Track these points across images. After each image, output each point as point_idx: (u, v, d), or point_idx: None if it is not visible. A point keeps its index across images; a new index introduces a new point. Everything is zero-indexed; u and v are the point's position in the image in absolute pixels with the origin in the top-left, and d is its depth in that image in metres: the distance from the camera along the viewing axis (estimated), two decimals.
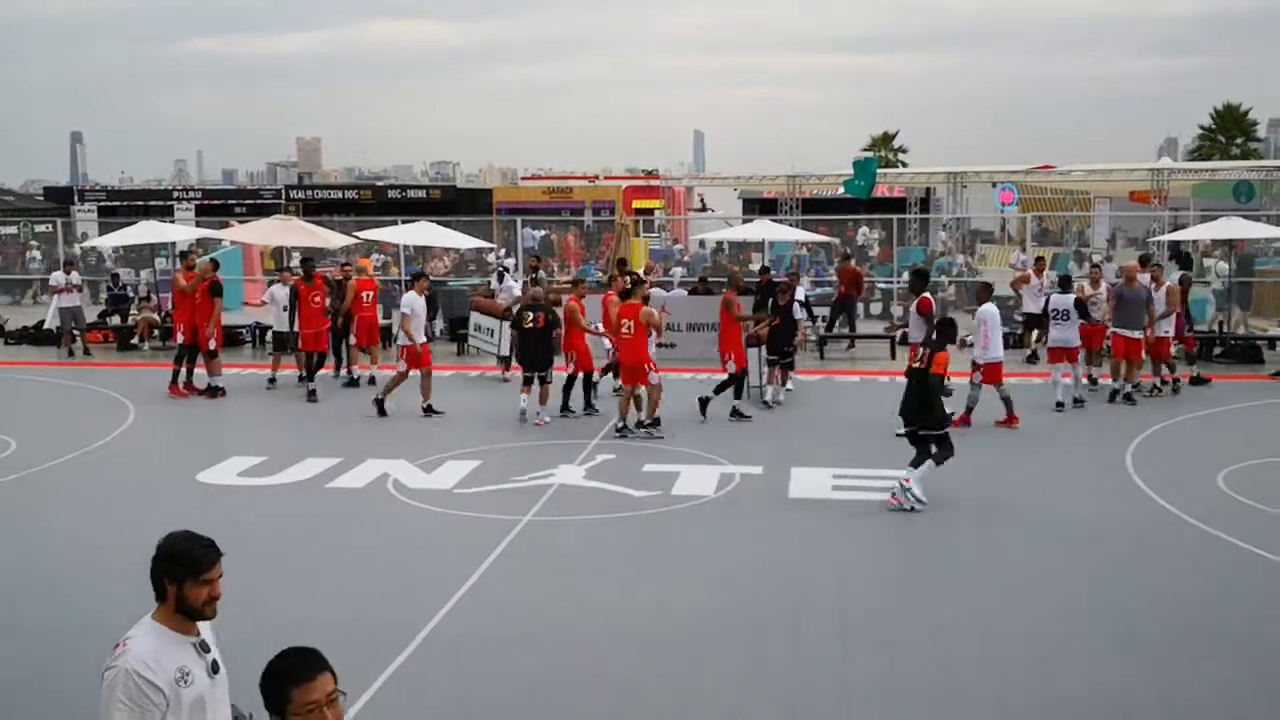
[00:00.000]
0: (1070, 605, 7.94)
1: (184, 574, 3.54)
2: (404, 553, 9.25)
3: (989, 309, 14.00)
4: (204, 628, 3.70)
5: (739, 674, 6.82)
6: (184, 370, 16.30)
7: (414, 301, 14.66)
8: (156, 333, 21.49)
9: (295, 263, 19.35)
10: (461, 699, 6.52)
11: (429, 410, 14.41)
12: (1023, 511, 10.33)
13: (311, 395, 15.72)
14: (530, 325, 14.28)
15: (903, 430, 10.67)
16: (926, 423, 10.33)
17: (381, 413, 14.37)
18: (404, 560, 9.06)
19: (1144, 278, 16.10)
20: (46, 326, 22.54)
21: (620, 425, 13.44)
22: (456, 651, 7.14)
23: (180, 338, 16.41)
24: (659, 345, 18.98)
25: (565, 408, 14.42)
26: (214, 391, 16.13)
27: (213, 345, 16.28)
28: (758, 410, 14.66)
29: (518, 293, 18.13)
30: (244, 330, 21.49)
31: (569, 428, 13.92)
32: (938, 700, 6.47)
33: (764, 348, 15.17)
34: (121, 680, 3.43)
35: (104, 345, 21.71)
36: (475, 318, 18.67)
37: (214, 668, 3.68)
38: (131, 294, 24.18)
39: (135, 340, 21.65)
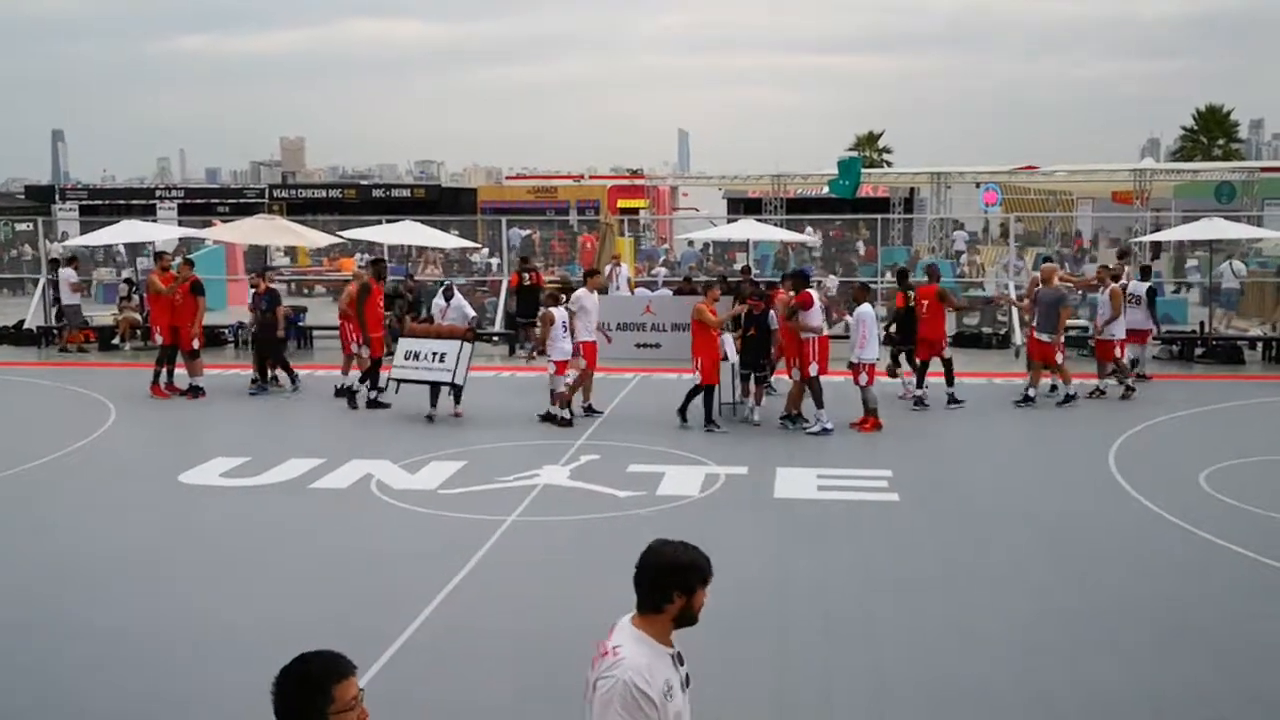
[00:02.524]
0: (1052, 604, 7.96)
1: (696, 582, 3.52)
2: (387, 554, 9.21)
3: (866, 310, 13.92)
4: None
5: (722, 672, 6.80)
6: (165, 371, 16.21)
7: (585, 298, 14.44)
8: (138, 333, 21.36)
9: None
10: (445, 700, 6.49)
11: (589, 409, 14.44)
12: (1006, 510, 10.36)
13: (352, 399, 15.17)
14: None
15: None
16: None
17: (577, 415, 14.22)
18: (387, 561, 9.02)
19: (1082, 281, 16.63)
20: (27, 326, 22.40)
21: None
22: (440, 652, 7.11)
23: (159, 339, 16.31)
24: (639, 346, 19.04)
25: (708, 420, 13.66)
26: (195, 391, 16.05)
27: (196, 345, 16.22)
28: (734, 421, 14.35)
29: (470, 311, 15.92)
30: (226, 330, 21.39)
31: (568, 432, 13.89)
32: (920, 697, 6.47)
33: (737, 361, 14.37)
34: (620, 691, 3.36)
35: (85, 345, 21.56)
36: (412, 344, 14.72)
37: (686, 681, 3.60)
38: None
39: (116, 340, 21.52)
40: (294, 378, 16.56)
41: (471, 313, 15.61)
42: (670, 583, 3.51)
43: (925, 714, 6.33)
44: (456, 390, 14.17)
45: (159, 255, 18.13)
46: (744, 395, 14.43)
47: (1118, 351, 15.74)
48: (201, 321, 16.54)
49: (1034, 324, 15.35)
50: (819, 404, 13.48)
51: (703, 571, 3.56)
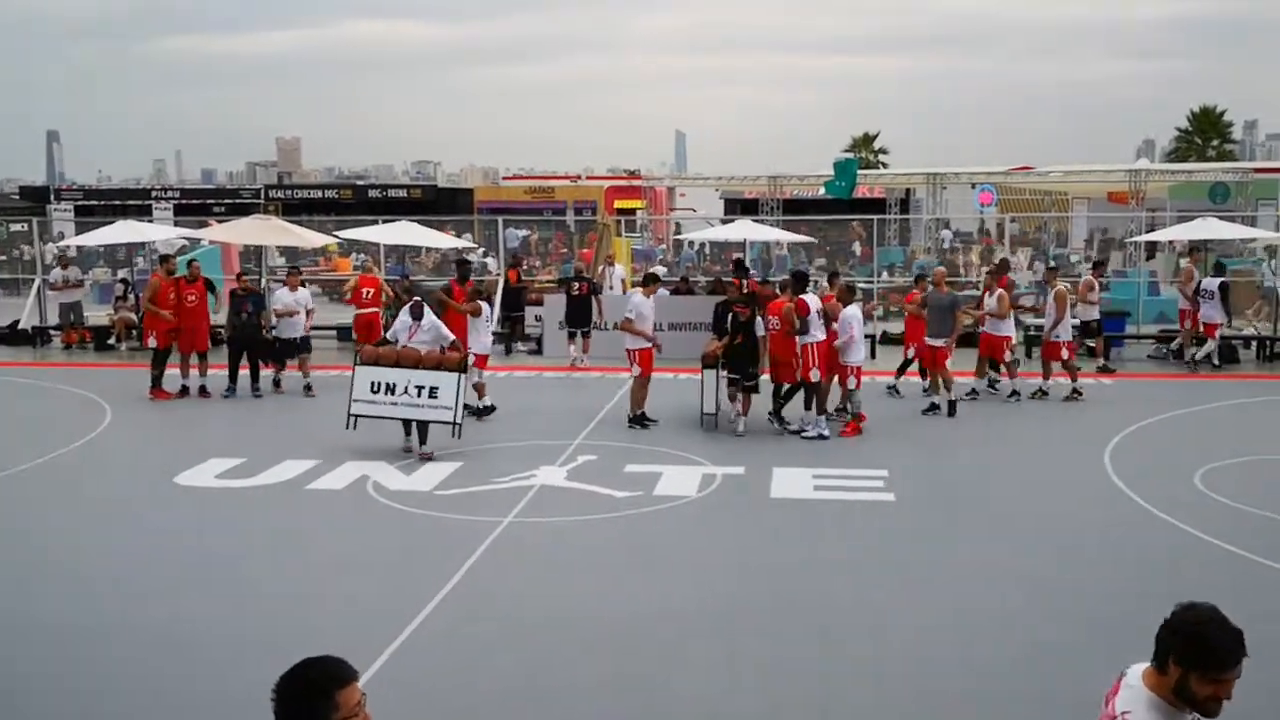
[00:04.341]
0: (1048, 603, 7.97)
1: (1199, 662, 3.16)
2: (384, 555, 9.21)
3: (851, 311, 13.65)
4: None
5: (719, 672, 6.82)
6: (161, 374, 16.01)
7: (641, 304, 14.31)
8: (134, 333, 21.33)
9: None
10: (441, 701, 6.48)
11: (642, 419, 13.96)
12: (1002, 509, 10.37)
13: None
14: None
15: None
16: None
17: (643, 426, 13.82)
18: (384, 562, 9.02)
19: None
20: (22, 326, 22.35)
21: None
22: (436, 654, 7.11)
23: (153, 342, 16.16)
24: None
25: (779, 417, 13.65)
26: (203, 391, 16.10)
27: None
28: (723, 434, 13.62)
29: (447, 333, 12.91)
30: (223, 330, 21.31)
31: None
32: (916, 697, 6.48)
33: (723, 367, 13.69)
34: None
35: (82, 344, 21.54)
36: (380, 374, 12.23)
37: None
38: None
39: (112, 340, 21.48)
40: (257, 380, 16.29)
41: (449, 334, 12.97)
42: (1168, 646, 3.17)
43: (923, 713, 6.34)
44: (453, 428, 12.32)
45: (164, 258, 17.79)
46: (733, 403, 13.64)
47: (1064, 353, 15.67)
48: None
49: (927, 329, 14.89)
50: (821, 409, 13.46)
51: (1213, 654, 3.13)
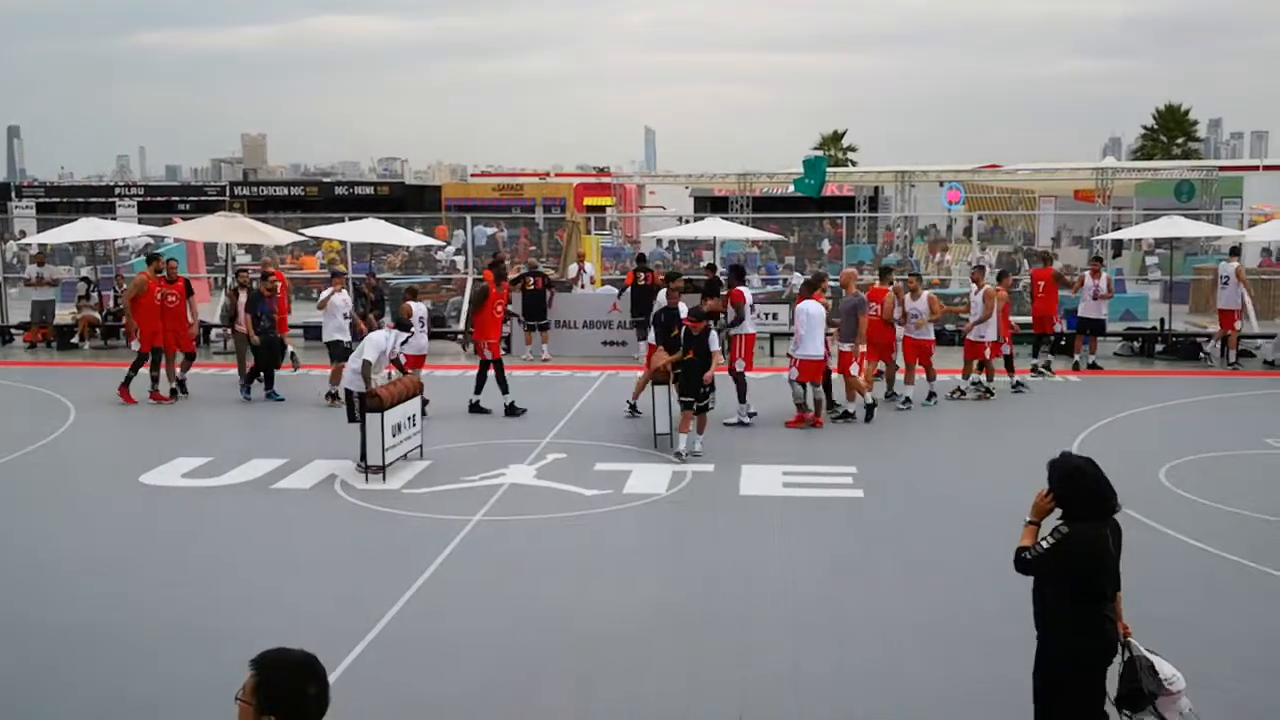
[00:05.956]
0: (1016, 597, 7.97)
1: None
2: (351, 554, 9.15)
3: (805, 306, 13.55)
4: None
5: (688, 670, 6.81)
6: (163, 374, 15.65)
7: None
8: (97, 332, 21.08)
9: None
10: (410, 700, 6.44)
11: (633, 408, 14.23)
12: (969, 505, 10.41)
13: (512, 409, 14.41)
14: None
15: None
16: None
17: (634, 412, 14.12)
18: (351, 561, 8.96)
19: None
20: None
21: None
22: (405, 653, 7.06)
23: (135, 344, 15.74)
24: (606, 344, 19.28)
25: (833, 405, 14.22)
26: (180, 389, 15.87)
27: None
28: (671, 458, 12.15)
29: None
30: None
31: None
32: (885, 692, 6.50)
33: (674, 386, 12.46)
34: None
35: (47, 342, 21.28)
36: (398, 414, 11.61)
37: None
38: None
39: (75, 339, 21.22)
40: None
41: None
42: None
43: (891, 708, 6.35)
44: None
45: (153, 258, 16.84)
46: (682, 427, 12.17)
47: (987, 353, 15.48)
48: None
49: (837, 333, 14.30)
50: (741, 398, 13.80)
51: None
